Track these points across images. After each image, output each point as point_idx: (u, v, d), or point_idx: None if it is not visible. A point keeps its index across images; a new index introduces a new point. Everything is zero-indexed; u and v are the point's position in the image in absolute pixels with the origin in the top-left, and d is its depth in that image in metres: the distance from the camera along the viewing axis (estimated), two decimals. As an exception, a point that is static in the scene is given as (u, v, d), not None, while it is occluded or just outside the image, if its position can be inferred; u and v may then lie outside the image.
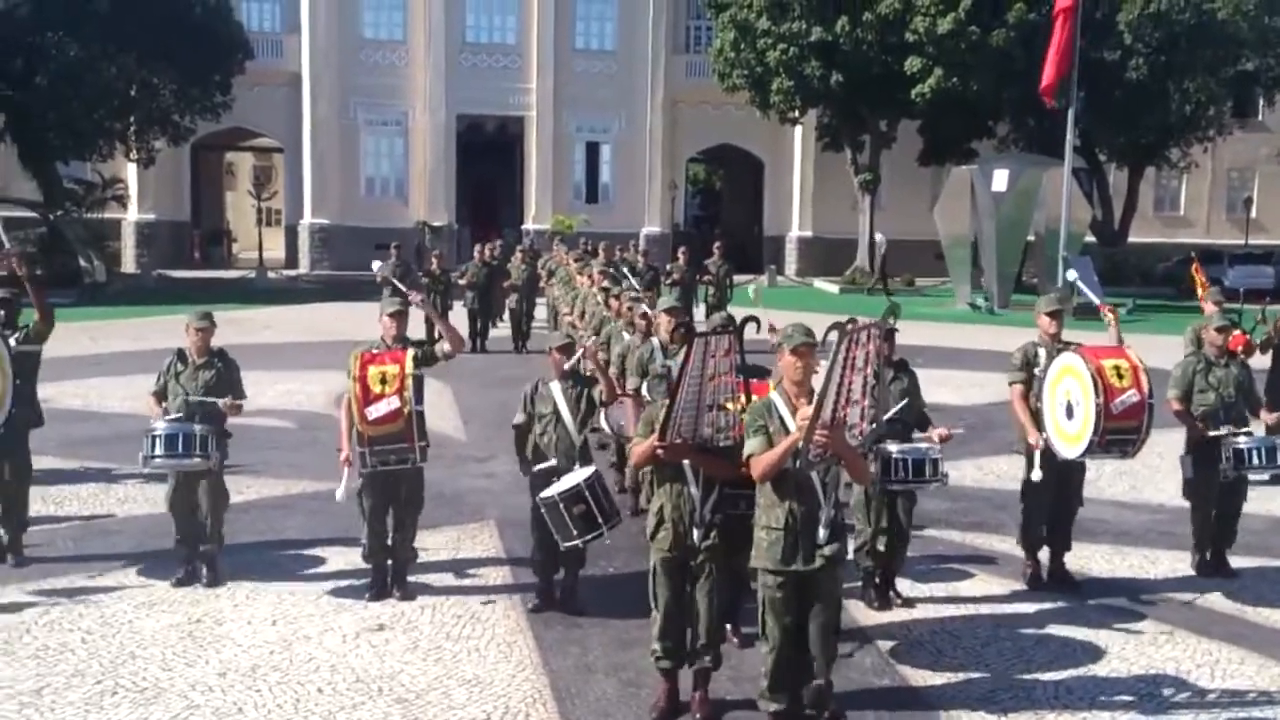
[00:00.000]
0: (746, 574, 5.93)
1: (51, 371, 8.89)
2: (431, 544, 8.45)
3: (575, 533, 6.77)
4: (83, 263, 31.35)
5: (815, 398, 4.96)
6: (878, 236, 36.41)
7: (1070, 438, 7.38)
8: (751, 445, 5.22)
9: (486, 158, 43.20)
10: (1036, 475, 7.58)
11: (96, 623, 7.00)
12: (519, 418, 7.45)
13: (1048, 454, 7.59)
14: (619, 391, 8.02)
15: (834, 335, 4.96)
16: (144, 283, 33.30)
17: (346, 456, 7.33)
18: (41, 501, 9.12)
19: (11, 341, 8.13)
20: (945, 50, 32.09)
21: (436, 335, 7.62)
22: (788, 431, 5.17)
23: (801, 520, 5.21)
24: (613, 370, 9.24)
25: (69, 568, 8.02)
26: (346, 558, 8.08)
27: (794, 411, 5.19)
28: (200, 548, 7.75)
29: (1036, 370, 7.76)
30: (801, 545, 5.20)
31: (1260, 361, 10.18)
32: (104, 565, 8.08)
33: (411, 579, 7.69)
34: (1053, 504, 7.90)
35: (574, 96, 42.23)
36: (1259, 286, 27.41)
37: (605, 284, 12.83)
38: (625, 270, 17.59)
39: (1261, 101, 41.99)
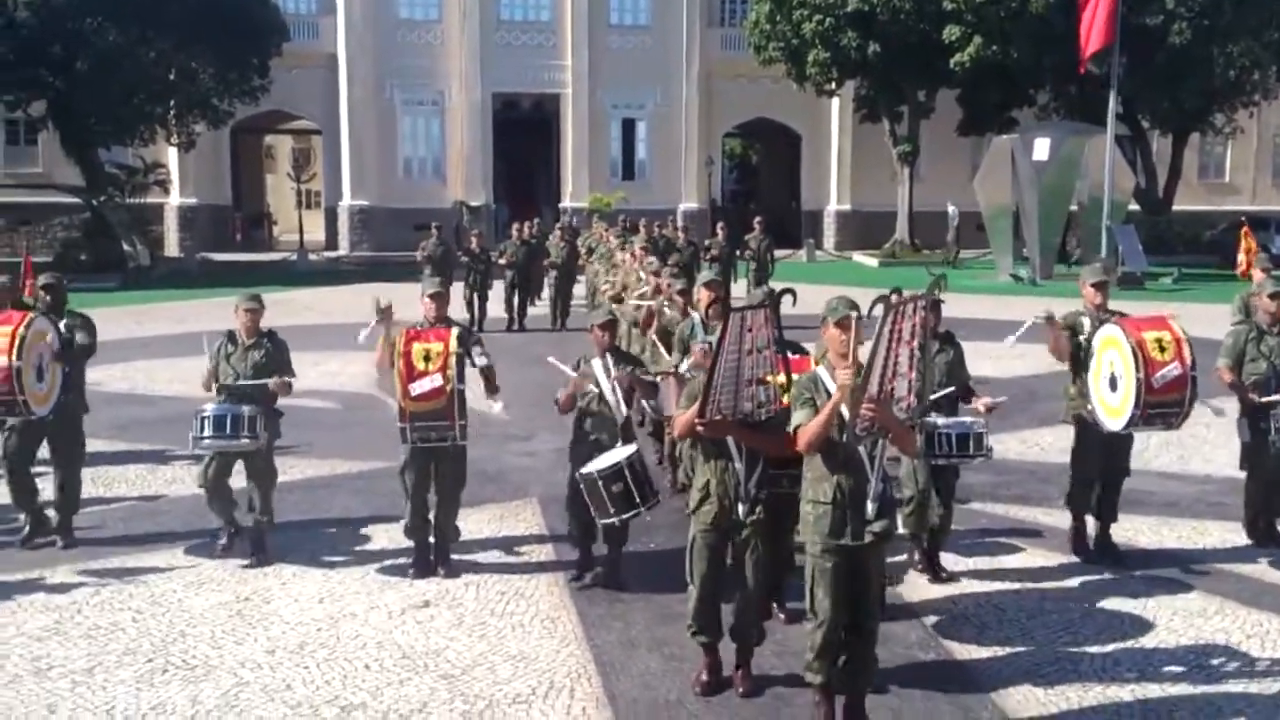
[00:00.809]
0: (792, 550, 5.93)
1: (98, 355, 9.00)
2: (475, 521, 8.51)
3: (613, 510, 6.79)
4: (126, 247, 31.71)
5: (863, 369, 4.92)
6: (949, 208, 35.89)
7: (1113, 410, 7.31)
8: (799, 416, 5.19)
9: (523, 136, 43.15)
10: (1114, 425, 7.36)
11: (146, 602, 7.11)
12: (568, 371, 7.41)
13: (1093, 422, 7.51)
14: (657, 371, 8.00)
15: (880, 308, 4.92)
16: (187, 266, 33.61)
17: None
18: (90, 483, 9.25)
19: (61, 326, 8.25)
20: (984, 18, 31.65)
21: (478, 316, 7.63)
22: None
23: (850, 494, 5.17)
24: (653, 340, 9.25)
25: (119, 548, 8.15)
26: (390, 536, 8.15)
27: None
28: (241, 521, 7.86)
29: (1080, 338, 7.67)
30: (850, 520, 5.17)
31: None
32: (153, 545, 8.20)
33: (455, 556, 7.75)
34: (1100, 475, 7.83)
35: (609, 72, 42.06)
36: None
37: (649, 259, 12.82)
38: (664, 246, 17.57)
39: (1308, 64, 41.13)
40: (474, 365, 7.57)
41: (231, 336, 7.93)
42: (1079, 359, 7.70)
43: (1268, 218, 37.03)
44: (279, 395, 7.89)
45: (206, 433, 7.57)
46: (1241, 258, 12.68)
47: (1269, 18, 32.68)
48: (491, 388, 7.81)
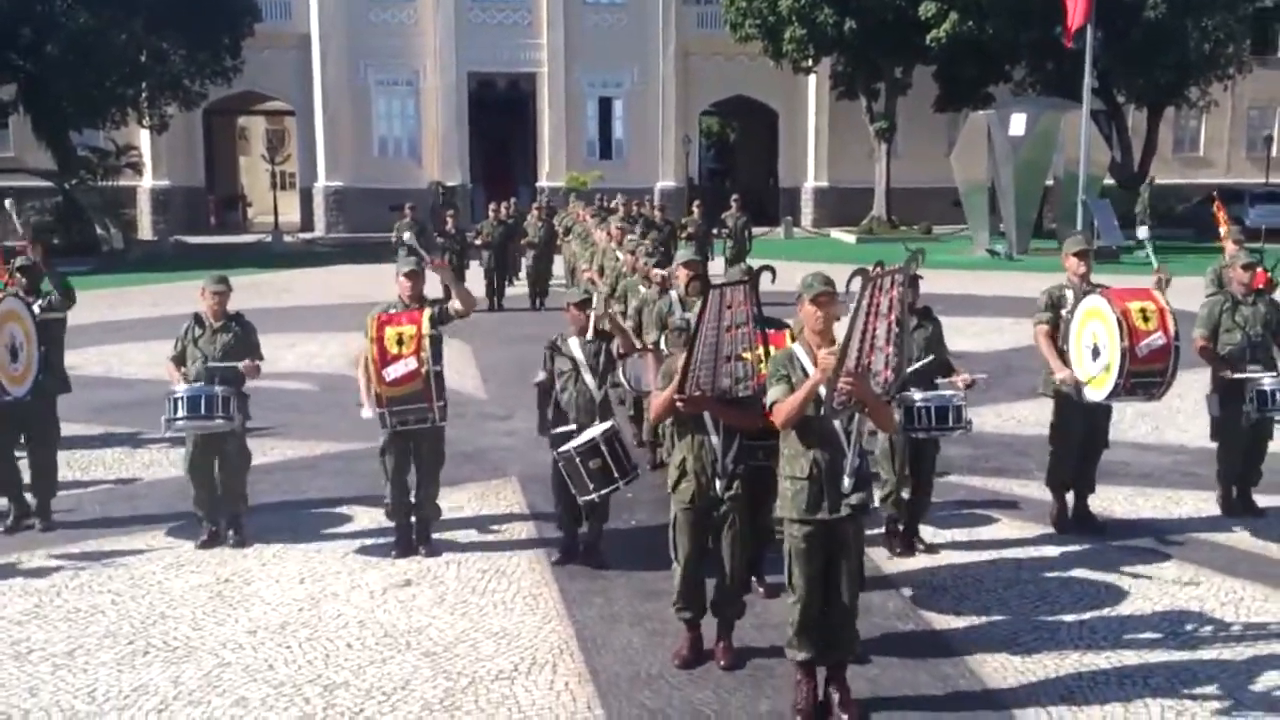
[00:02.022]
0: (771, 524, 5.95)
1: (73, 339, 8.96)
2: (455, 501, 8.52)
3: (591, 486, 6.82)
4: (100, 231, 31.44)
5: (839, 345, 4.94)
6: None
7: (1096, 380, 7.35)
8: (775, 392, 5.20)
9: (499, 115, 42.92)
10: (1097, 396, 7.38)
11: (126, 584, 7.09)
12: (540, 376, 7.46)
13: (1073, 395, 7.56)
14: (636, 345, 8.03)
15: (857, 282, 4.92)
16: (161, 249, 33.38)
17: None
18: (67, 466, 9.21)
19: (36, 308, 8.19)
20: (960, -7, 31.65)
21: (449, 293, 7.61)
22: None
23: (826, 469, 5.19)
24: (629, 323, 9.24)
25: (97, 531, 8.12)
26: (371, 516, 8.15)
27: (816, 361, 5.17)
28: (223, 509, 7.82)
29: (1063, 312, 7.70)
30: (827, 494, 5.19)
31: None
32: (132, 528, 8.17)
33: (436, 535, 7.76)
34: (1079, 446, 7.89)
35: (585, 51, 41.86)
36: (1281, 225, 27.14)
37: (626, 237, 12.80)
38: (640, 225, 17.56)
39: (1281, 37, 41.41)
40: (454, 314, 7.47)
41: (199, 319, 7.85)
42: (1059, 329, 7.72)
43: (1241, 190, 37.26)
44: (248, 378, 7.83)
45: (180, 414, 7.51)
46: (1222, 230, 12.73)
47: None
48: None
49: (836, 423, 5.17)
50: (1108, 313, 7.17)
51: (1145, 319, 7.08)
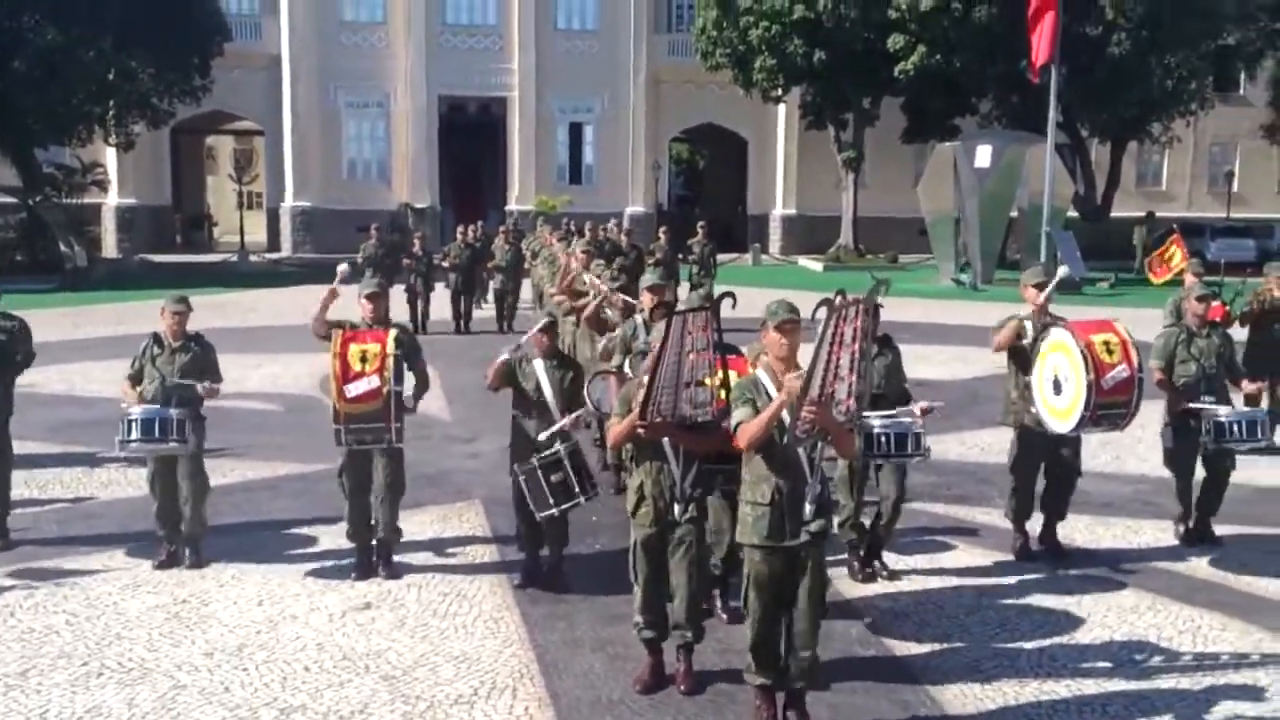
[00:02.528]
0: (733, 549, 5.96)
1: (35, 357, 8.82)
2: (417, 523, 8.46)
3: (552, 501, 6.82)
4: (64, 248, 31.12)
5: (804, 373, 4.96)
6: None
7: (1060, 413, 7.40)
8: (739, 414, 5.21)
9: (469, 139, 42.98)
10: (1062, 427, 7.44)
11: (81, 605, 6.99)
12: (505, 355, 7.38)
13: (1035, 429, 7.64)
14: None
15: (823, 311, 4.96)
16: (126, 267, 33.13)
17: None
18: (25, 485, 9.09)
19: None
20: (928, 27, 32.03)
21: (420, 318, 7.60)
22: (775, 407, 5.16)
23: (788, 496, 5.20)
24: (601, 346, 9.25)
25: (53, 551, 8.00)
26: (332, 538, 8.08)
27: (780, 388, 5.19)
28: (182, 530, 7.73)
29: (1024, 341, 7.77)
30: (788, 521, 5.20)
31: (1240, 334, 10.25)
32: (88, 548, 8.06)
33: (397, 558, 7.70)
34: (1047, 475, 7.95)
35: (556, 76, 42.04)
36: (1240, 260, 27.53)
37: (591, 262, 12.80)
38: (608, 249, 17.59)
39: (1243, 75, 42.10)
40: (411, 371, 7.50)
41: (158, 339, 7.76)
42: (1021, 360, 7.80)
43: (1202, 225, 37.81)
44: (206, 399, 7.76)
45: (134, 436, 7.41)
46: (1166, 262, 13.04)
47: (1205, 29, 33.38)
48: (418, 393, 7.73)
49: (799, 449, 5.19)
50: (1072, 346, 7.23)
51: (1109, 351, 7.16)
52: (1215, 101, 39.24)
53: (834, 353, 4.91)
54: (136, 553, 7.90)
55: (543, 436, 6.95)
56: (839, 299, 4.96)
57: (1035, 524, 8.12)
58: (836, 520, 6.99)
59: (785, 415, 5.05)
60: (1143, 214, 36.15)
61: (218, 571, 7.60)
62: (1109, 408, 7.18)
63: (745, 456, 5.31)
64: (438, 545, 8.25)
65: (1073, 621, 6.83)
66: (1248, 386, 8.57)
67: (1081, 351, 7.12)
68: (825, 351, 4.88)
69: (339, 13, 41.15)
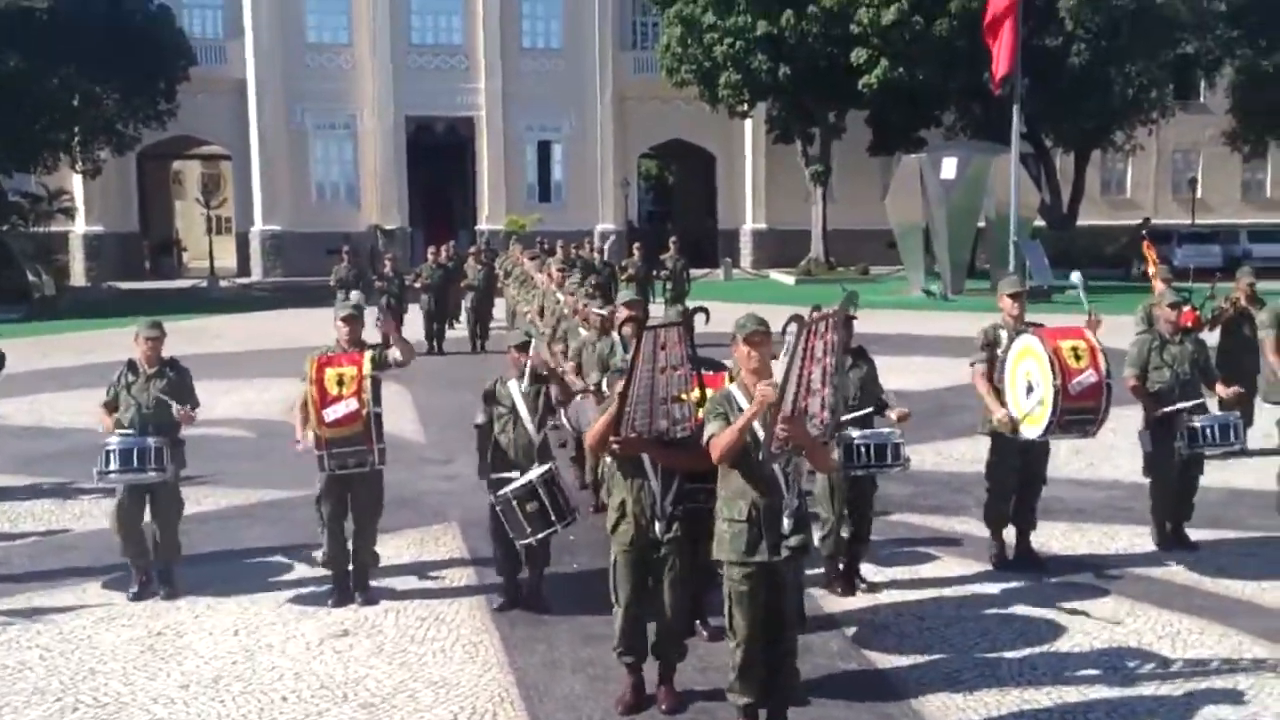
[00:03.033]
0: (712, 566, 5.93)
1: (1, 387, 8.73)
2: (393, 547, 8.40)
3: (529, 530, 6.79)
4: (30, 277, 30.85)
5: (777, 380, 4.95)
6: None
7: (1031, 418, 7.44)
8: (712, 427, 5.19)
9: (438, 159, 42.96)
10: (1031, 433, 7.48)
11: (55, 639, 6.89)
12: (480, 418, 7.42)
13: (1010, 432, 7.66)
14: (574, 390, 8.02)
15: (793, 327, 4.95)
16: (94, 295, 32.85)
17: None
18: (-6, 519, 8.98)
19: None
20: (890, 41, 32.28)
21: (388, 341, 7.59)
22: (748, 422, 5.15)
23: (765, 512, 5.18)
24: (570, 364, 9.22)
25: (25, 585, 7.89)
26: (308, 565, 8.01)
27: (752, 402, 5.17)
28: (152, 559, 7.64)
29: (999, 351, 7.81)
30: (766, 536, 5.18)
31: (1211, 338, 10.35)
32: (61, 581, 7.96)
33: (374, 583, 7.64)
34: (1018, 484, 7.98)
35: (523, 96, 42.09)
36: (1208, 265, 27.81)
37: (566, 279, 12.80)
38: (581, 266, 17.59)
39: (1202, 83, 42.64)
40: (393, 363, 7.45)
41: (132, 365, 7.70)
42: (995, 368, 7.83)
43: (1170, 230, 38.20)
44: (183, 425, 7.70)
45: (112, 466, 7.35)
46: (1152, 269, 13.12)
47: (1164, 38, 33.79)
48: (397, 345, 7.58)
49: (775, 465, 5.18)
50: (1040, 351, 7.27)
51: (1077, 357, 7.19)
52: (1176, 110, 39.76)
53: (806, 368, 4.91)
54: (110, 585, 7.80)
55: (508, 490, 6.86)
56: (811, 314, 4.96)
57: (1011, 534, 8.15)
58: (818, 535, 6.99)
59: (760, 431, 5.05)
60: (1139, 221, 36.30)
61: (192, 602, 7.51)
62: (1077, 413, 7.21)
63: (721, 472, 5.30)
64: (415, 569, 8.20)
65: (1053, 629, 6.85)
66: (1223, 390, 8.62)
67: (1049, 357, 7.16)
68: (796, 366, 4.88)
69: (304, 35, 41.10)
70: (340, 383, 7.02)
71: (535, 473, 6.91)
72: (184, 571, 7.79)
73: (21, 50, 28.97)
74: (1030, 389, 7.40)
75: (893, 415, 7.34)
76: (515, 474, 7.07)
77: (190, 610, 7.38)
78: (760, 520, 5.18)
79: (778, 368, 5.05)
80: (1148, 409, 8.28)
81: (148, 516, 7.66)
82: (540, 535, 6.86)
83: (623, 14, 43.64)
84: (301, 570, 8.09)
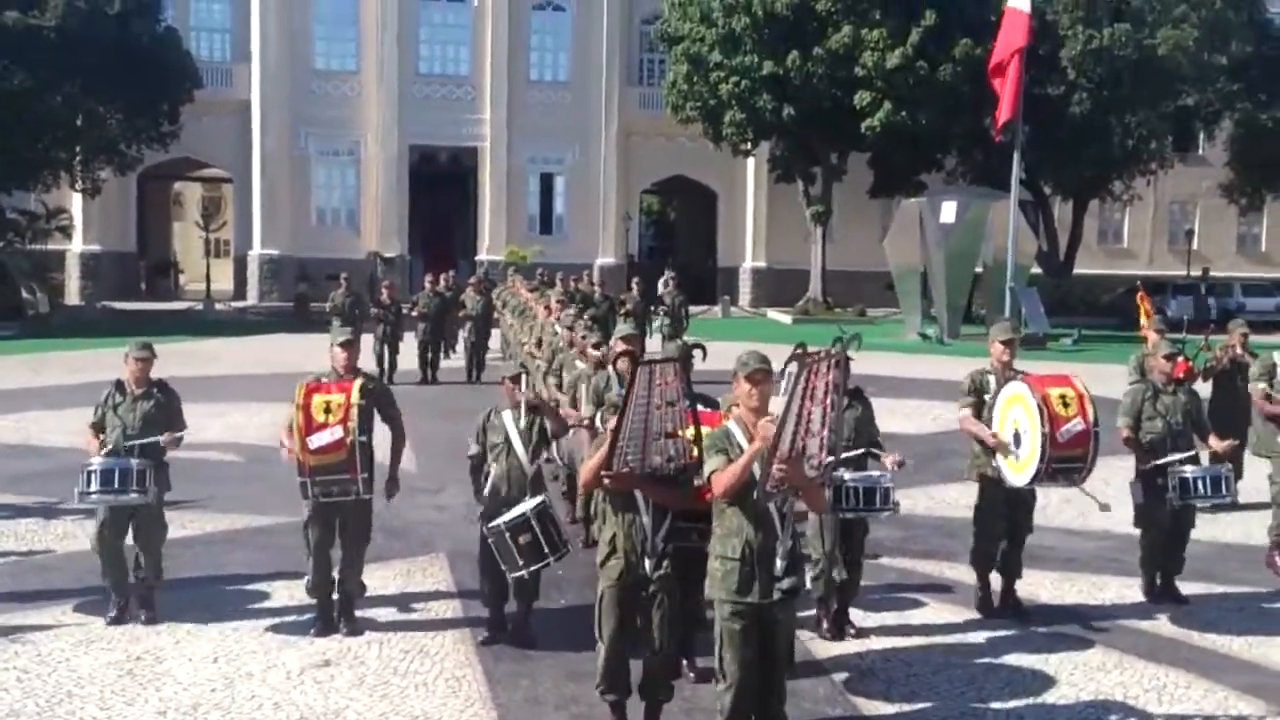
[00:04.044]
0: (701, 607, 5.88)
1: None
2: (380, 577, 8.33)
3: (521, 562, 6.73)
4: (25, 294, 30.83)
5: (777, 416, 4.92)
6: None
7: (1017, 465, 7.42)
8: (713, 463, 5.16)
9: (440, 188, 43.08)
10: (1019, 480, 7.49)
11: (33, 661, 6.81)
12: (473, 449, 7.38)
13: (997, 480, 7.64)
14: (569, 422, 7.99)
15: (794, 366, 4.93)
16: (88, 314, 32.80)
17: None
18: (-23, 537, 8.90)
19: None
20: (894, 84, 32.51)
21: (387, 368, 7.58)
22: (749, 459, 5.12)
23: (758, 551, 5.14)
24: (565, 397, 9.19)
25: (4, 606, 7.80)
26: (292, 593, 7.93)
27: (751, 439, 5.14)
28: (132, 582, 7.57)
29: (986, 396, 7.80)
30: (758, 576, 5.14)
31: (1204, 390, 10.33)
32: (41, 602, 7.87)
33: (359, 613, 7.56)
34: (1004, 530, 7.93)
35: (527, 127, 42.27)
36: (1202, 317, 27.90)
37: (563, 311, 12.78)
38: (580, 300, 17.60)
39: (1201, 135, 42.93)
40: (385, 421, 7.45)
41: (120, 386, 7.64)
42: (982, 413, 7.81)
43: (1165, 281, 38.33)
44: (168, 450, 7.64)
45: (94, 487, 7.27)
46: (1144, 320, 13.27)
47: (1165, 90, 34.05)
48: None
49: (770, 505, 5.14)
50: (1029, 398, 7.27)
51: (1065, 405, 7.19)
52: (1175, 161, 39.98)
53: (805, 407, 4.89)
54: (90, 608, 7.71)
55: (501, 521, 6.82)
56: (814, 353, 4.94)
57: (997, 580, 8.09)
58: (809, 576, 6.93)
59: (756, 470, 5.01)
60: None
61: (173, 628, 7.43)
62: (1065, 461, 7.20)
63: (716, 510, 5.26)
64: (401, 600, 8.12)
65: (1040, 680, 6.79)
66: (1216, 443, 8.57)
67: (1038, 404, 7.15)
68: (796, 406, 4.86)
69: (311, 61, 41.29)
70: (327, 410, 6.97)
71: (529, 504, 6.86)
72: (166, 596, 7.71)
73: (28, 68, 29.08)
74: (1018, 438, 7.39)
75: (887, 461, 7.30)
76: (511, 491, 7.02)
77: (170, 635, 7.30)
78: (753, 559, 5.14)
79: (777, 406, 5.02)
80: (1140, 460, 8.25)
81: (130, 539, 7.59)
82: (533, 567, 6.80)
83: (630, 50, 43.90)
84: (285, 598, 8.02)
